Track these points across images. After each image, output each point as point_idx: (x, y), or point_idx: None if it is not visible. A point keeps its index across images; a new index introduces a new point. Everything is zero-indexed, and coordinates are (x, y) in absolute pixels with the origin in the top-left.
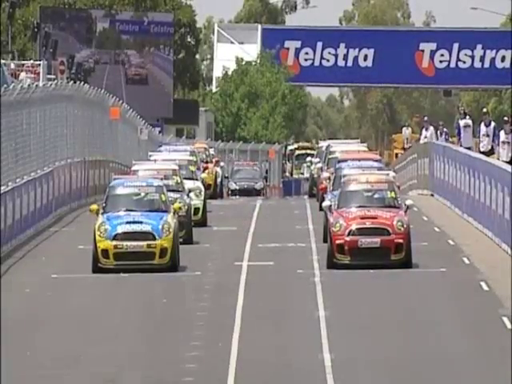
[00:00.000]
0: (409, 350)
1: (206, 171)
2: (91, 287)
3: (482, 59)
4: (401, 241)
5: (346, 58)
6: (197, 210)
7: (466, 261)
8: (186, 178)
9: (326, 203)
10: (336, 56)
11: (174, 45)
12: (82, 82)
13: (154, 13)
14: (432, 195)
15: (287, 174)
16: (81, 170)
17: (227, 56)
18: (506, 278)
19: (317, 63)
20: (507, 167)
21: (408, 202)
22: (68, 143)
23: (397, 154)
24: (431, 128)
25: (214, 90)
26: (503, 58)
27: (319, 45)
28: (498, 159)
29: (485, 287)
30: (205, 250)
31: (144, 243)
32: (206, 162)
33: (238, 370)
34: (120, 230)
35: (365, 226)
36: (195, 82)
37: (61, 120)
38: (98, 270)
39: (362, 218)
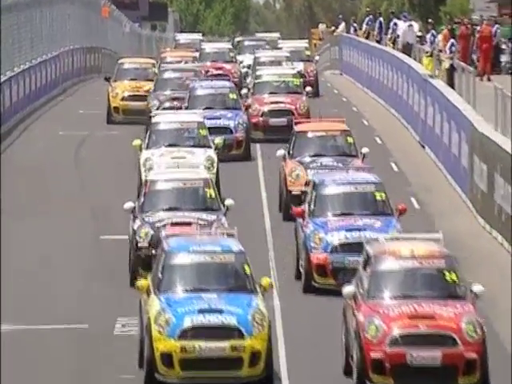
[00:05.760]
0: None
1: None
2: (90, 142)
3: None
4: (474, 356)
5: None
6: None
7: (366, 122)
8: (194, 146)
9: (348, 290)
10: None
11: None
12: None
13: None
14: (341, 74)
15: None
16: (80, 54)
17: None
18: (393, 133)
19: None
20: (394, 52)
21: (476, 289)
22: (70, 34)
23: (315, 44)
24: (343, 24)
25: None
26: None
27: None
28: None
29: (379, 141)
30: None
31: (227, 344)
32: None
33: None
34: (190, 322)
35: (417, 332)
36: None
37: (65, 17)
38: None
39: (412, 318)
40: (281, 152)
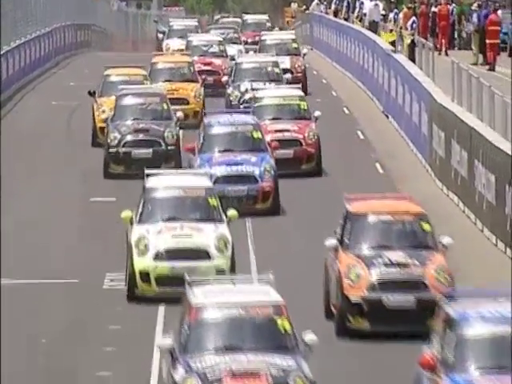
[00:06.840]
0: None
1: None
2: (80, 111)
3: None
4: None
5: None
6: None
7: (334, 94)
8: (202, 220)
9: None
10: None
11: None
12: None
13: None
14: (311, 49)
15: None
16: (71, 31)
17: None
18: (360, 103)
19: None
20: (361, 29)
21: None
22: (62, 11)
23: (288, 22)
24: (314, 2)
25: None
26: None
27: None
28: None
29: (346, 111)
30: None
31: None
32: (191, 81)
33: None
34: None
35: None
36: None
37: None
38: None
39: None
40: (331, 241)
